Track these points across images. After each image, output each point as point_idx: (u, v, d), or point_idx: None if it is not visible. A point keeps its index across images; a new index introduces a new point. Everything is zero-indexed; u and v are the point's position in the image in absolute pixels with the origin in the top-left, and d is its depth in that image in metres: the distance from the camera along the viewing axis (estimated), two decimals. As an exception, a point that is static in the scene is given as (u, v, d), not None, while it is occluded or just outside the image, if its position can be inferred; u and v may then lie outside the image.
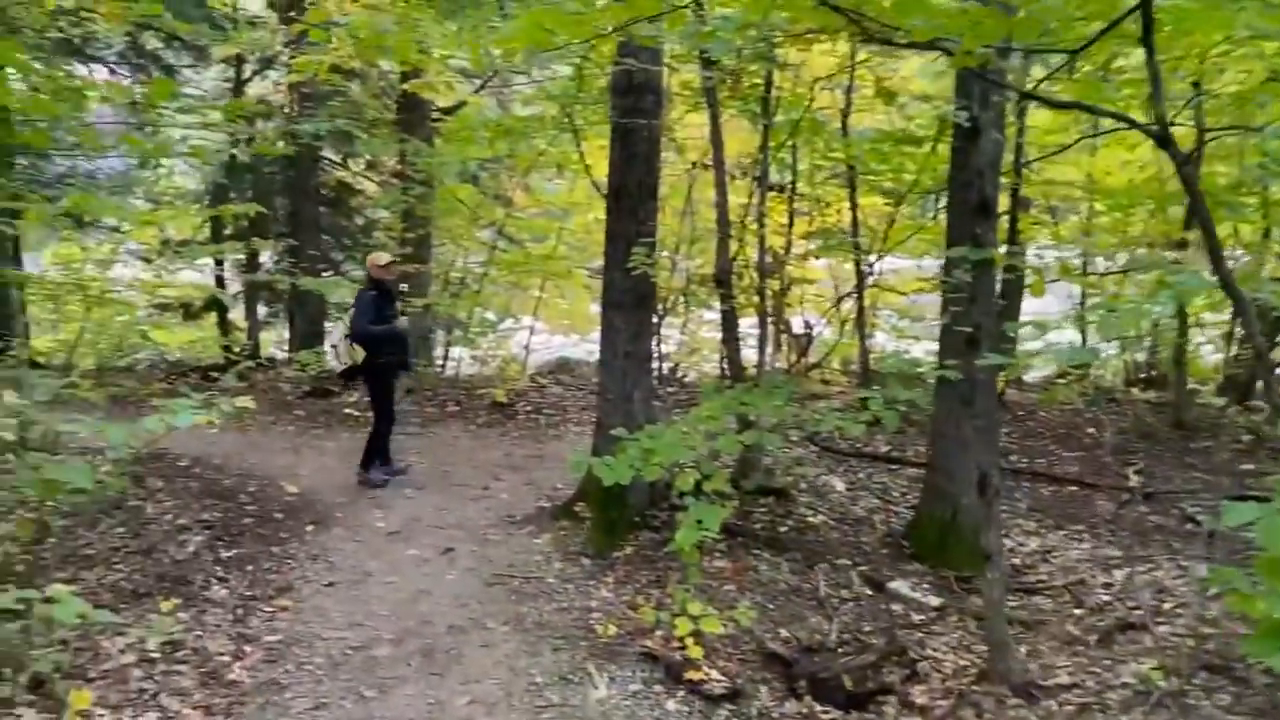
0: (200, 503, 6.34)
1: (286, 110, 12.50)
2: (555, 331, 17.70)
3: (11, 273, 5.66)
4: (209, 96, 13.46)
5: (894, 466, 7.88)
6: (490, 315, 12.97)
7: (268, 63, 13.19)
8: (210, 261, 12.89)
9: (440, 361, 12.21)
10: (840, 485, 7.28)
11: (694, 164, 7.26)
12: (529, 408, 9.80)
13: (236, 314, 13.53)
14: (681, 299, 8.32)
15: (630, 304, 5.93)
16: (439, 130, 11.68)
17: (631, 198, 5.82)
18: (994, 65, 3.39)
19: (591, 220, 16.34)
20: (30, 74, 5.47)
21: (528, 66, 6.17)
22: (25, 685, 3.67)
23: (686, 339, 11.92)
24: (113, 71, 12.75)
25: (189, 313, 13.46)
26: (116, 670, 4.13)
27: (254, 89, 13.47)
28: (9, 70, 4.88)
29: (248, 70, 13.08)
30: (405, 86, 10.42)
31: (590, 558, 5.73)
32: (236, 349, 11.59)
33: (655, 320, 6.39)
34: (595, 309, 17.51)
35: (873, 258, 8.67)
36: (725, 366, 6.66)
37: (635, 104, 5.73)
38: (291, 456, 8.08)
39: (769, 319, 6.80)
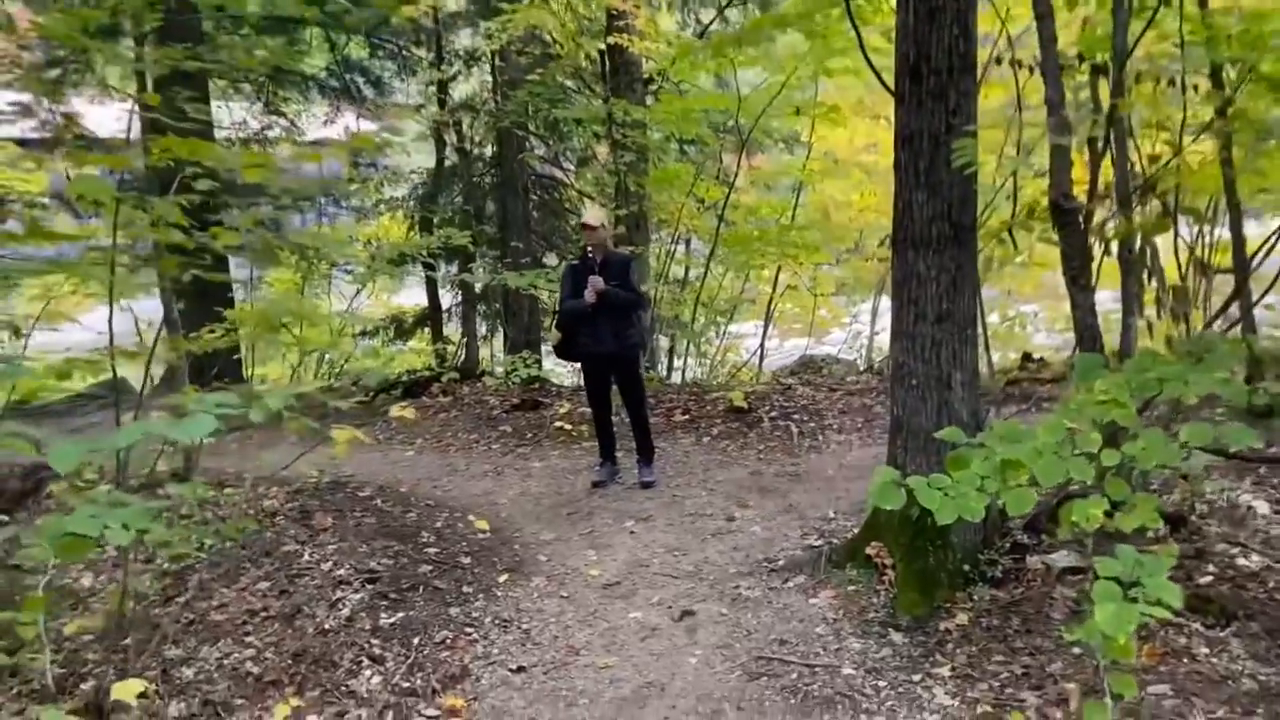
0: (369, 545, 4.91)
1: (491, 105, 11.49)
2: (787, 336, 15.66)
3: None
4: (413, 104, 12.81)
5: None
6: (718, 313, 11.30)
7: (471, 58, 12.26)
8: (422, 275, 12.01)
9: (663, 365, 10.59)
10: (1263, 506, 4.82)
11: (1002, 55, 5.14)
12: (774, 413, 7.87)
13: (452, 331, 12.61)
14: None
15: (944, 239, 3.87)
16: (648, 102, 10.15)
17: (938, 74, 3.78)
18: None
19: (828, 200, 14.35)
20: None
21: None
22: None
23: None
24: (322, 91, 12.32)
25: (400, 329, 12.71)
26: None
27: (459, 90, 12.64)
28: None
29: (452, 70, 12.15)
30: (609, 40, 8.95)
31: (903, 630, 3.72)
32: (445, 362, 10.49)
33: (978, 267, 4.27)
34: (837, 302, 15.47)
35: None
36: (1080, 333, 4.46)
37: (938, -70, 3.73)
38: (492, 481, 6.63)
39: (1138, 265, 4.55)
